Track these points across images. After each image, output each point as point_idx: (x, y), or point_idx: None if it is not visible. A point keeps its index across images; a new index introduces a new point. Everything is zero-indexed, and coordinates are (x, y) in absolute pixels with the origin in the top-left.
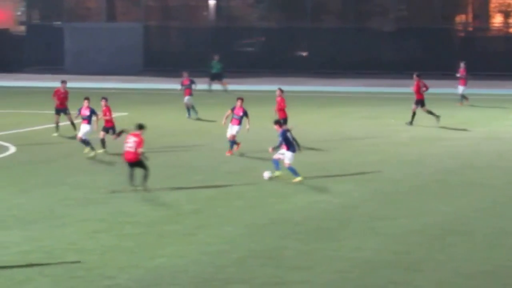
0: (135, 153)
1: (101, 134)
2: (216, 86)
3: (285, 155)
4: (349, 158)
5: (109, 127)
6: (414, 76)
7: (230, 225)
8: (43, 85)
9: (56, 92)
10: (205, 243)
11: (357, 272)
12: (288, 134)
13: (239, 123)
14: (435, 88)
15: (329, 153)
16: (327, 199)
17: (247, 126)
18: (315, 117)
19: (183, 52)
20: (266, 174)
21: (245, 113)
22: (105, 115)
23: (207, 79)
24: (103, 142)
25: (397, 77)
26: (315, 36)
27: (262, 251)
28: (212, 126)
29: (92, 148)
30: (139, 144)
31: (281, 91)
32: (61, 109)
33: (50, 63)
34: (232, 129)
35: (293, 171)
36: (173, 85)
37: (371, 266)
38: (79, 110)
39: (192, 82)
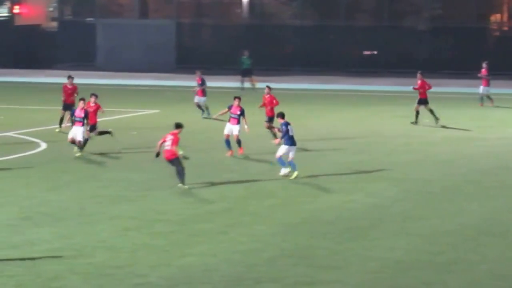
0: (171, 150)
1: (87, 133)
2: (247, 84)
3: (280, 148)
4: (382, 157)
5: (92, 125)
6: (418, 74)
7: (262, 224)
8: (74, 82)
9: (63, 88)
10: (236, 242)
11: (389, 272)
12: (289, 127)
13: (238, 122)
14: (470, 88)
15: (361, 152)
16: (359, 199)
17: (246, 126)
18: (348, 116)
19: (215, 50)
20: (283, 171)
21: (242, 112)
22: (94, 113)
23: (239, 77)
24: (86, 141)
25: (431, 77)
26: (348, 34)
27: (293, 250)
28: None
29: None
30: (174, 142)
31: (269, 88)
32: (69, 105)
33: (82, 59)
34: (233, 129)
35: (281, 162)
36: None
37: (403, 267)
38: (73, 112)
39: (203, 82)
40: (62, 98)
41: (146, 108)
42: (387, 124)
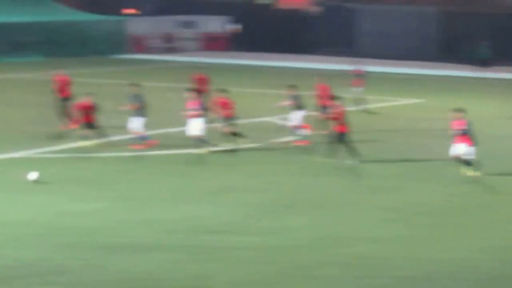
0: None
1: None
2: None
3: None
4: None
5: None
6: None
7: None
8: (334, 68)
9: None
10: (500, 238)
11: None
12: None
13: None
14: None
15: None
16: None
17: None
18: None
19: (482, 41)
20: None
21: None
22: None
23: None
24: None
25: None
26: None
27: None
28: None
29: None
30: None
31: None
32: None
33: (344, 45)
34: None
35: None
36: (467, 72)
37: None
38: None
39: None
40: None
41: (409, 96)
42: None
